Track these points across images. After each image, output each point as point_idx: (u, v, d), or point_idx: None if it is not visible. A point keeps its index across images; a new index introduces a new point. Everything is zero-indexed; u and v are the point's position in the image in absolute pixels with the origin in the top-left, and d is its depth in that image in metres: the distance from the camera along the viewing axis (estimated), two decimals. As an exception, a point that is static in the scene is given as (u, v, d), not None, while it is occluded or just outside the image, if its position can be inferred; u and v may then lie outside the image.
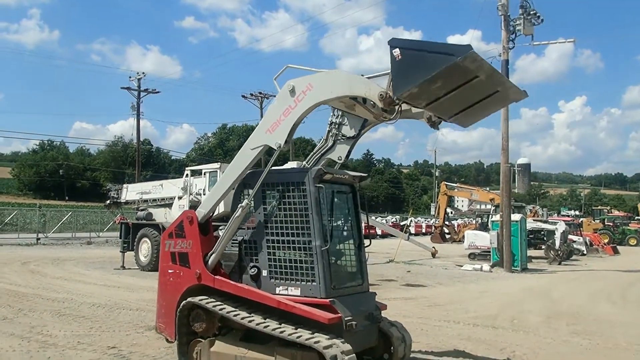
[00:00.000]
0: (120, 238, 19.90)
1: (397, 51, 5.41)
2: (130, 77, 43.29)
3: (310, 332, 5.90)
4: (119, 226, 20.82)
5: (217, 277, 6.63)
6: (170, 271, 7.00)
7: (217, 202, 6.93)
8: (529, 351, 8.44)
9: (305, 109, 6.14)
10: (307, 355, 5.82)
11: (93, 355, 7.56)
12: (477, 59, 5.16)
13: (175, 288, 6.92)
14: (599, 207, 63.01)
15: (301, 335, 5.83)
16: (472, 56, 5.05)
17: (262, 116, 51.04)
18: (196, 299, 6.64)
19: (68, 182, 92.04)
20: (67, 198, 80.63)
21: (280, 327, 6.00)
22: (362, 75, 6.09)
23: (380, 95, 5.63)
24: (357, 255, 6.97)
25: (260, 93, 49.76)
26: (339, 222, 7.32)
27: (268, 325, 6.06)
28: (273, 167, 6.85)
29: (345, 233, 7.25)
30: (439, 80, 5.27)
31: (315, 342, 5.70)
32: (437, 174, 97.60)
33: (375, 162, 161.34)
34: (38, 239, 30.21)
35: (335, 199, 7.15)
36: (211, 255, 6.70)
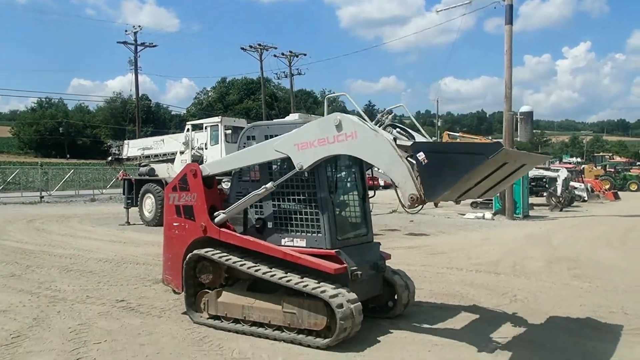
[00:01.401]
0: (124, 194, 20.01)
1: (422, 155, 5.27)
2: (126, 31, 42.72)
3: (317, 281, 6.00)
4: (122, 183, 20.91)
5: (223, 229, 6.69)
6: (175, 224, 7.07)
7: (224, 171, 7.02)
8: (530, 295, 8.58)
9: (339, 152, 6.01)
10: (314, 304, 5.94)
11: (102, 308, 7.70)
12: (509, 153, 5.12)
13: (181, 241, 7.00)
14: (601, 154, 62.87)
15: (307, 285, 5.93)
16: (503, 153, 4.98)
17: (262, 69, 50.73)
18: (202, 251, 6.73)
19: (68, 139, 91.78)
20: (68, 156, 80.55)
21: (286, 277, 6.10)
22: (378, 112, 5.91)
23: (411, 197, 5.44)
24: (362, 206, 7.02)
25: (259, 45, 49.05)
26: (343, 174, 7.33)
27: (275, 275, 6.15)
28: (276, 120, 6.83)
29: (349, 184, 7.27)
30: (470, 179, 5.23)
31: (322, 292, 5.81)
32: (439, 124, 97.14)
33: (376, 113, 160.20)
34: (42, 197, 30.37)
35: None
36: (220, 214, 6.75)
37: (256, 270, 6.30)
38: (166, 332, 6.60)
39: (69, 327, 6.76)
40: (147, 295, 8.47)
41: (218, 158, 17.46)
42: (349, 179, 7.31)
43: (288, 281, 6.07)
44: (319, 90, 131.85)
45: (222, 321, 6.67)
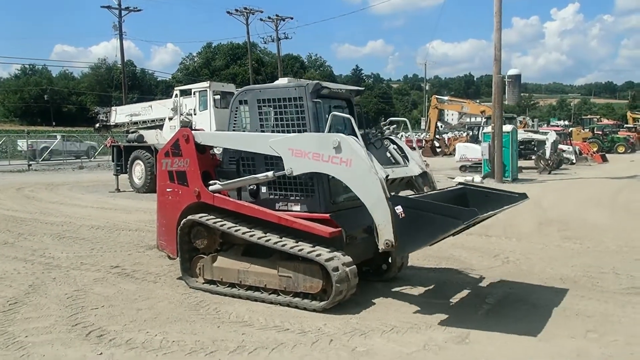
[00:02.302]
0: (113, 161, 19.83)
1: (399, 209, 5.30)
2: (110, -5, 41.60)
3: (311, 245, 6.02)
4: (110, 149, 20.70)
5: (217, 194, 6.66)
6: (168, 190, 7.04)
7: (216, 146, 7.02)
8: (522, 256, 8.70)
9: (330, 173, 5.96)
10: (309, 267, 5.98)
11: (97, 274, 7.71)
12: (482, 218, 5.25)
13: (174, 206, 6.98)
14: (589, 117, 63.16)
15: (303, 249, 5.96)
16: (478, 219, 5.09)
17: (248, 33, 49.97)
18: (196, 217, 6.72)
19: (54, 107, 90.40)
20: (54, 123, 79.46)
21: (281, 241, 6.11)
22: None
23: (386, 243, 5.51)
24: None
25: (245, 9, 48.23)
26: None
27: (269, 239, 6.16)
28: (268, 83, 6.77)
29: None
30: (444, 238, 5.42)
31: (317, 255, 5.84)
32: (427, 88, 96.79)
33: (364, 77, 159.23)
34: (29, 165, 30.06)
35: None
36: (215, 183, 6.73)
37: (251, 236, 6.31)
38: (162, 297, 6.64)
39: (66, 293, 6.78)
40: (141, 261, 8.48)
41: (209, 127, 17.39)
42: None
43: (283, 245, 6.09)
44: (306, 54, 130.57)
45: (217, 286, 6.71)
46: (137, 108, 23.02)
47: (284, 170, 6.14)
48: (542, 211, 13.71)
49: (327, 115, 6.89)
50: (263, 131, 6.68)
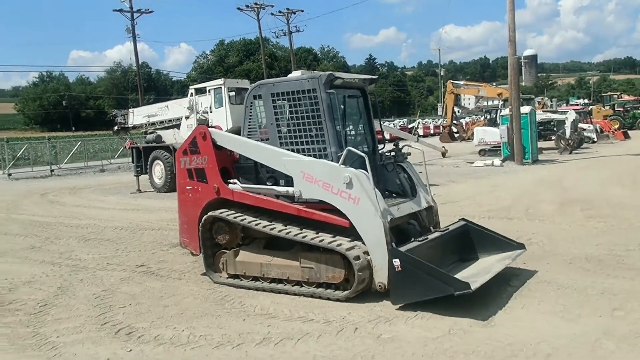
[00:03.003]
0: (133, 162, 20.03)
1: (397, 262, 5.47)
2: (121, -1, 41.90)
3: (332, 235, 6.05)
4: (130, 151, 20.91)
5: (236, 189, 6.72)
6: (188, 187, 7.11)
7: (234, 149, 7.07)
8: (545, 237, 8.63)
9: (336, 205, 6.01)
10: (331, 258, 6.01)
11: (123, 274, 7.84)
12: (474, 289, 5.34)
13: (195, 203, 7.05)
14: (609, 93, 61.89)
15: (324, 239, 5.99)
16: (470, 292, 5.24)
17: (260, 28, 50.01)
18: (217, 212, 6.79)
19: (72, 112, 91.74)
20: (73, 128, 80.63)
21: (302, 233, 6.15)
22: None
23: (379, 285, 5.82)
24: (372, 158, 7.00)
25: (256, 4, 48.12)
26: (352, 127, 7.30)
27: (290, 232, 6.21)
28: (282, 77, 6.81)
29: (359, 138, 7.25)
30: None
31: (338, 245, 5.87)
32: (442, 74, 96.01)
33: (378, 66, 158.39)
34: (52, 170, 30.49)
35: (347, 104, 7.10)
36: (236, 183, 6.81)
37: (272, 229, 6.36)
38: (188, 293, 6.74)
39: (93, 293, 6.91)
40: (165, 259, 8.60)
41: (225, 124, 17.47)
42: (358, 132, 7.31)
43: (304, 237, 6.13)
44: (319, 46, 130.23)
45: (241, 280, 6.79)
46: (153, 109, 23.19)
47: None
48: (564, 191, 13.56)
49: (341, 106, 6.90)
50: (278, 125, 6.71)
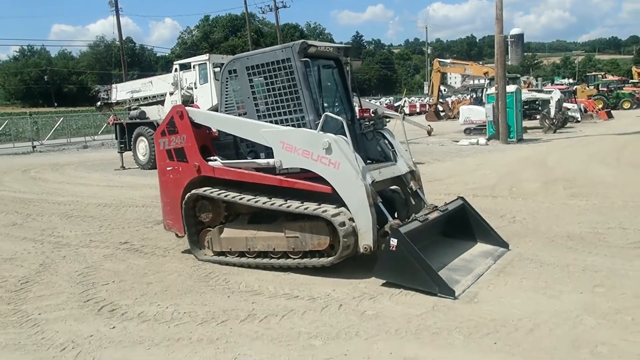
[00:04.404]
0: (117, 139, 19.79)
1: (394, 242, 5.39)
2: (103, -30, 41.01)
3: (317, 203, 6.06)
4: (114, 127, 20.65)
5: (216, 166, 6.67)
6: (169, 168, 7.05)
7: (212, 126, 7.03)
8: (528, 216, 8.70)
9: (317, 172, 5.95)
10: (316, 225, 6.02)
11: (107, 251, 7.78)
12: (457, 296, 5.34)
13: (176, 184, 7.00)
14: (593, 73, 62.23)
15: (308, 207, 5.98)
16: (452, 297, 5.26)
17: (246, 3, 49.37)
18: (199, 190, 6.73)
19: (54, 87, 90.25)
20: (55, 104, 79.34)
21: (286, 203, 6.15)
22: None
23: (365, 247, 5.80)
24: (351, 128, 6.96)
25: (241, -22, 47.31)
26: (329, 97, 7.31)
27: (274, 203, 6.19)
28: (256, 50, 6.84)
29: (337, 108, 7.23)
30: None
31: (323, 211, 5.87)
32: (428, 52, 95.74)
33: (365, 44, 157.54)
34: (34, 146, 30.08)
35: (323, 74, 7.13)
36: (216, 160, 6.76)
37: (255, 202, 6.32)
38: (172, 270, 6.71)
39: (76, 270, 6.85)
40: (149, 236, 8.54)
41: (210, 100, 17.30)
42: (335, 103, 7.33)
43: (288, 207, 6.12)
44: (305, 23, 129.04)
45: (227, 256, 6.76)
46: (137, 84, 22.88)
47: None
48: (548, 170, 13.66)
49: (317, 75, 6.92)
50: (255, 98, 6.72)
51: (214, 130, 7.10)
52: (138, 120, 18.85)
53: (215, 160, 6.76)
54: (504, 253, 6.66)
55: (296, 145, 6.04)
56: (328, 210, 5.87)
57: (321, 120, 6.01)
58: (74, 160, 22.72)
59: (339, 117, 6.05)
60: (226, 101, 6.95)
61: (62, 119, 36.97)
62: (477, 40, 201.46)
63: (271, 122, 6.48)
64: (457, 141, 22.62)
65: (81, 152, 27.95)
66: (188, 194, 6.84)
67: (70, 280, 6.48)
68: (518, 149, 19.11)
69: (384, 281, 5.74)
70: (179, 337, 4.74)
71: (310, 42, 6.53)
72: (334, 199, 5.98)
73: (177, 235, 7.39)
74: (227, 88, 6.94)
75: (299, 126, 6.32)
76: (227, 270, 6.51)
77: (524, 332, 4.49)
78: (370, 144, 7.09)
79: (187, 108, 6.97)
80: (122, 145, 19.19)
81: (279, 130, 6.24)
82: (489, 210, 9.14)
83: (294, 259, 6.25)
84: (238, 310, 5.26)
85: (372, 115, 7.43)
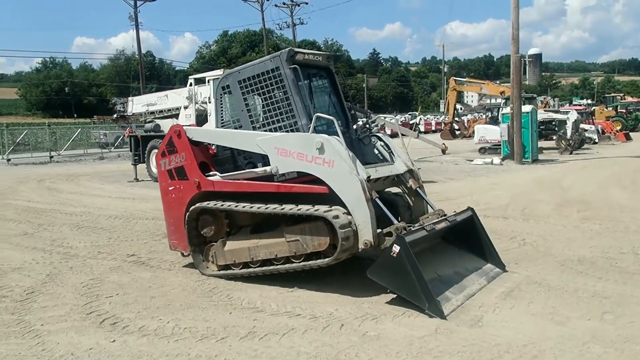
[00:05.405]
0: (131, 151, 19.98)
1: (397, 249, 5.37)
2: (124, -14, 41.77)
3: (311, 205, 6.06)
4: (129, 139, 20.85)
5: (216, 180, 6.74)
6: (170, 188, 7.16)
7: (206, 142, 7.15)
8: (539, 238, 8.57)
9: (313, 173, 5.99)
10: (315, 226, 6.01)
11: (113, 263, 7.79)
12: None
13: (179, 203, 7.07)
14: (612, 94, 61.67)
15: (309, 209, 5.98)
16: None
17: (263, 20, 49.89)
18: (200, 204, 6.79)
19: (74, 99, 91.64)
20: (75, 115, 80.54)
21: (281, 206, 6.17)
22: None
23: (365, 242, 5.74)
24: (347, 134, 7.04)
25: (260, -6, 47.92)
26: (323, 105, 7.37)
27: (269, 207, 6.23)
28: (248, 63, 7.03)
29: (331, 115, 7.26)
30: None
31: (316, 210, 5.89)
32: (445, 70, 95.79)
33: (382, 61, 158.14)
34: (51, 157, 30.46)
35: (315, 83, 7.27)
36: (215, 175, 6.84)
37: (251, 208, 6.35)
38: (176, 284, 6.69)
39: (82, 282, 6.86)
40: (157, 249, 8.55)
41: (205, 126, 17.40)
42: (330, 112, 7.30)
43: (282, 209, 6.11)
44: (322, 40, 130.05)
45: (232, 269, 6.74)
46: (153, 98, 23.14)
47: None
48: (562, 192, 13.49)
49: (307, 82, 7.03)
50: (249, 110, 6.84)
51: (212, 147, 7.19)
52: (152, 133, 19.02)
53: (215, 175, 6.80)
54: (498, 274, 6.56)
55: (290, 149, 6.09)
56: (321, 208, 5.89)
57: (313, 121, 6.12)
58: (89, 171, 22.95)
59: (330, 117, 6.17)
60: (222, 117, 7.14)
61: (79, 130, 37.43)
62: (495, 59, 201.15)
63: (266, 131, 6.60)
64: (471, 160, 22.48)
65: (97, 163, 28.24)
66: (190, 209, 6.87)
67: (75, 291, 6.48)
68: (533, 170, 18.92)
69: (388, 301, 5.67)
70: (177, 352, 4.70)
71: (297, 49, 6.71)
72: (332, 200, 5.99)
73: (182, 254, 7.37)
74: (221, 104, 7.14)
75: (292, 132, 6.42)
76: (230, 286, 6.48)
77: (528, 359, 4.38)
78: (368, 148, 7.15)
79: (184, 127, 7.12)
80: (137, 158, 19.35)
81: (273, 137, 6.33)
82: (499, 232, 9.03)
83: (298, 262, 6.21)
84: (239, 327, 5.21)
85: (366, 119, 7.48)
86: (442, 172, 18.82)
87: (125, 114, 24.12)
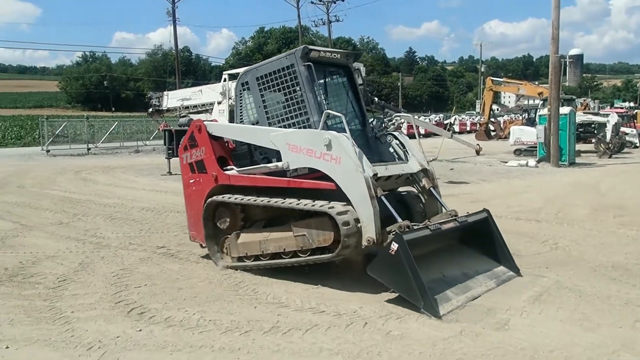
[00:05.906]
0: (165, 145, 20.26)
1: (395, 247, 5.37)
2: (163, -18, 42.45)
3: (313, 200, 6.13)
4: (163, 133, 21.15)
5: (232, 174, 6.89)
6: (191, 181, 7.36)
7: (225, 137, 7.26)
8: (572, 243, 8.37)
9: (321, 169, 6.09)
10: (320, 221, 6.07)
11: (143, 254, 7.93)
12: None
13: (198, 195, 7.25)
14: (656, 98, 59.91)
15: (315, 204, 6.04)
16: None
17: (299, 17, 50.04)
18: (215, 198, 6.93)
19: (113, 93, 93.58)
20: (113, 109, 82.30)
21: (287, 201, 6.27)
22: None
23: (368, 239, 5.79)
24: (363, 132, 7.13)
25: (297, -9, 48.04)
26: (340, 104, 7.39)
27: (278, 201, 6.32)
28: (265, 60, 7.19)
29: (348, 116, 7.29)
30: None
31: (321, 206, 5.95)
32: (482, 70, 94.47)
33: (418, 60, 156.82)
34: (89, 149, 31.16)
35: (332, 81, 7.33)
36: (232, 169, 6.98)
37: (262, 201, 6.46)
38: (203, 277, 6.77)
39: (112, 271, 7.01)
40: (186, 242, 8.64)
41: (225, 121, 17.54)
42: (347, 110, 7.33)
43: (290, 204, 6.22)
44: (358, 37, 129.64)
45: (244, 261, 6.85)
46: (187, 93, 23.39)
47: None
48: (599, 196, 13.15)
49: (322, 80, 7.09)
50: (266, 106, 6.95)
51: (232, 142, 7.33)
52: (186, 128, 19.20)
53: (232, 169, 6.92)
54: (511, 278, 6.43)
55: (300, 145, 6.19)
56: (325, 204, 5.93)
57: (322, 117, 6.18)
58: (125, 164, 23.38)
59: (339, 114, 6.22)
60: (241, 113, 7.25)
61: (116, 123, 38.16)
62: (534, 60, 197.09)
63: (281, 126, 6.72)
64: (506, 162, 22.09)
65: (132, 156, 28.76)
66: (206, 202, 7.05)
67: (105, 280, 6.62)
68: (569, 173, 18.49)
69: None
70: (201, 344, 4.75)
71: (312, 47, 6.78)
72: (339, 196, 6.03)
73: (201, 245, 7.51)
74: (241, 100, 7.25)
75: (305, 128, 6.51)
76: (257, 280, 6.52)
77: (554, 365, 4.29)
78: (384, 147, 7.18)
79: (204, 122, 7.25)
80: (170, 152, 19.55)
81: (284, 133, 6.43)
82: (531, 235, 8.87)
83: (304, 256, 6.27)
84: (263, 321, 5.24)
85: (382, 117, 7.50)
86: (476, 173, 18.56)
87: (160, 108, 24.44)
